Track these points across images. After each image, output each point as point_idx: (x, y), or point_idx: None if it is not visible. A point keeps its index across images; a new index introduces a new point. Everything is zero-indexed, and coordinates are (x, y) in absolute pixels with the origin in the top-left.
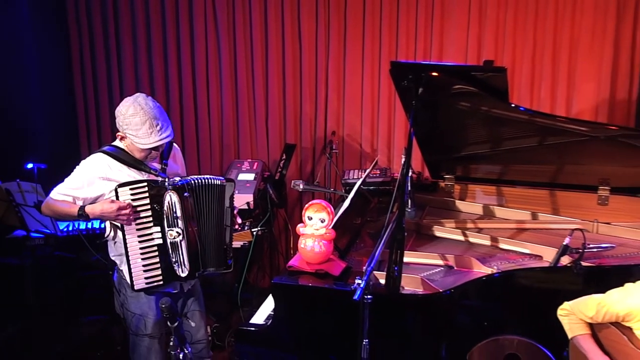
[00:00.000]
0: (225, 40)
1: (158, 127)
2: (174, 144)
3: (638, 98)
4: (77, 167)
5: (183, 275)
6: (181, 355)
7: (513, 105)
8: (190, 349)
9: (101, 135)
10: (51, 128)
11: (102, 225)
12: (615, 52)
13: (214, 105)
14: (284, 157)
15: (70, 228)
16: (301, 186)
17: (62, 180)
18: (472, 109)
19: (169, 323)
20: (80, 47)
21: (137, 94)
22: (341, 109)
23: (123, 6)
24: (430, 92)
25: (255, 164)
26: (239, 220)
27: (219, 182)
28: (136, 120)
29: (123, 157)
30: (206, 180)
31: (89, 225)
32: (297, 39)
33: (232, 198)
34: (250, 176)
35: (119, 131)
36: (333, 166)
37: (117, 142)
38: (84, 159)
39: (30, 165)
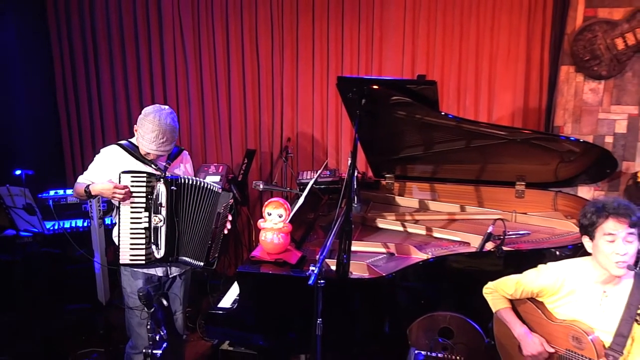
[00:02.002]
0: (192, 60)
1: (162, 141)
2: (185, 152)
3: (547, 106)
4: (96, 155)
5: (158, 256)
6: (157, 337)
7: (443, 113)
8: (165, 331)
9: (83, 144)
10: (37, 138)
11: (87, 224)
12: (527, 68)
13: (183, 117)
14: (246, 161)
15: (56, 227)
16: (261, 186)
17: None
18: (408, 117)
19: (145, 309)
20: (62, 65)
21: (165, 107)
22: (295, 118)
23: (100, 29)
24: (371, 102)
25: (221, 167)
26: (229, 226)
27: (211, 187)
28: (149, 126)
29: (133, 151)
30: (197, 182)
31: (73, 224)
32: (255, 58)
33: (227, 207)
34: (216, 178)
35: (136, 123)
36: (289, 168)
37: (133, 139)
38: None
39: (18, 172)
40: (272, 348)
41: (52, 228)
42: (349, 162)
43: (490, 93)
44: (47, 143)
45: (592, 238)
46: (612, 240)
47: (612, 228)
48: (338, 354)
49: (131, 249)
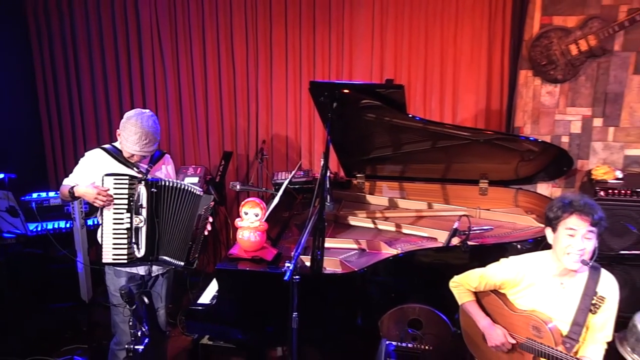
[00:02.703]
0: (170, 66)
1: (144, 142)
2: (167, 155)
3: (507, 108)
4: (81, 158)
5: (139, 255)
6: (139, 333)
7: (410, 115)
8: (147, 327)
9: (64, 148)
10: (19, 143)
11: (69, 225)
12: (489, 72)
13: (162, 120)
14: (223, 162)
15: (39, 229)
16: (238, 186)
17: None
18: (377, 119)
19: (127, 306)
20: (43, 71)
21: (146, 110)
22: (269, 121)
23: (80, 36)
24: (342, 106)
25: (199, 169)
26: (209, 228)
27: (192, 190)
28: (132, 129)
29: (116, 154)
30: (177, 184)
31: (56, 226)
32: (231, 64)
33: (208, 209)
34: (195, 179)
35: (119, 128)
36: (264, 169)
37: (116, 143)
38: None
39: (1, 175)
40: (250, 341)
41: (35, 229)
42: (322, 162)
43: (454, 96)
44: (29, 147)
45: (554, 230)
46: (572, 235)
47: (574, 224)
48: (313, 346)
49: (114, 248)
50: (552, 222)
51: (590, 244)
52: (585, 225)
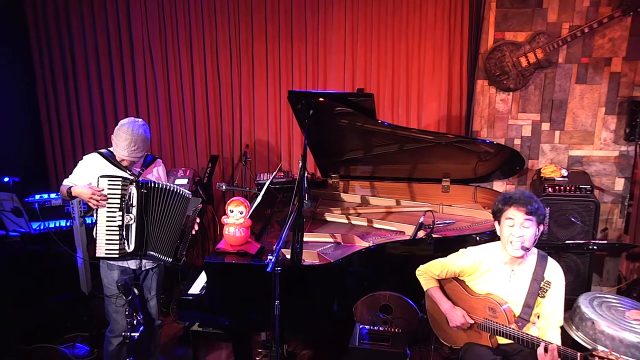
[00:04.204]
0: (160, 77)
1: (133, 148)
2: (159, 160)
3: (466, 114)
4: (79, 162)
5: (129, 250)
6: (135, 322)
7: (379, 121)
8: (142, 316)
9: (64, 153)
10: (22, 149)
11: (69, 223)
12: (449, 82)
13: (153, 127)
14: (210, 165)
15: (42, 227)
16: (224, 187)
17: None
18: (349, 125)
19: (124, 297)
20: (44, 82)
21: (139, 120)
22: (252, 127)
23: (78, 49)
24: (318, 112)
25: (188, 171)
26: (197, 228)
27: (182, 192)
28: (123, 135)
29: (111, 158)
30: (166, 186)
31: (57, 224)
32: (216, 75)
33: (196, 211)
34: (184, 181)
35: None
36: (248, 171)
37: (112, 148)
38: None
39: (6, 179)
40: (237, 327)
41: (37, 228)
42: (300, 164)
43: (419, 103)
44: (31, 152)
45: (499, 223)
46: (511, 225)
47: (512, 214)
48: (294, 331)
49: (107, 243)
50: (496, 215)
51: (528, 232)
52: (521, 215)
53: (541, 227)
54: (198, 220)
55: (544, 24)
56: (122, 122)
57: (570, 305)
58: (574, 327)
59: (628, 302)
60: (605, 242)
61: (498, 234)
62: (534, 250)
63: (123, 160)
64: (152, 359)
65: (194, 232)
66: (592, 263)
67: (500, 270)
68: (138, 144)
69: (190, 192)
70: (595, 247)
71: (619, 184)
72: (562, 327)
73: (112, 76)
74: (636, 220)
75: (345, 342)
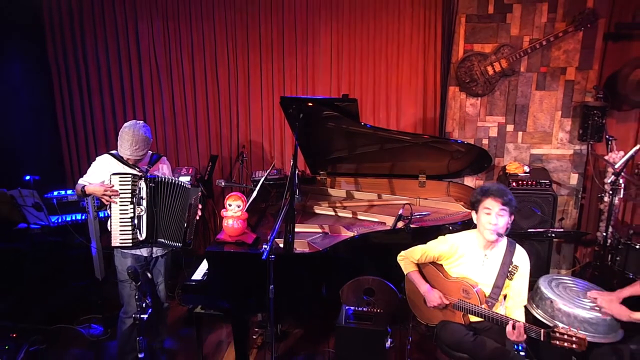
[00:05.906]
0: (165, 85)
1: (135, 148)
2: (164, 158)
3: (440, 116)
4: (93, 162)
5: (141, 238)
6: (143, 305)
7: (362, 123)
8: (150, 300)
9: (79, 154)
10: (42, 150)
11: (84, 217)
12: (425, 88)
13: (159, 130)
14: (210, 164)
15: (60, 220)
16: (223, 183)
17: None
18: (336, 127)
19: (133, 283)
20: (61, 91)
21: (140, 122)
22: (248, 129)
23: (91, 61)
24: (308, 116)
25: (190, 169)
26: (200, 214)
27: (182, 184)
28: (125, 137)
29: (120, 158)
30: (171, 180)
31: (73, 218)
32: (215, 83)
33: (197, 198)
34: (187, 178)
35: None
36: (244, 169)
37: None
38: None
39: (27, 177)
40: (235, 309)
41: (56, 221)
42: (291, 163)
43: (398, 107)
44: (50, 154)
45: (477, 212)
46: (488, 213)
47: (489, 204)
48: (287, 312)
49: (121, 233)
50: (474, 205)
51: (502, 220)
52: (498, 205)
53: (512, 217)
54: (200, 206)
55: (507, 37)
56: (125, 124)
57: (531, 286)
58: (534, 306)
59: (581, 282)
60: (562, 230)
61: (475, 222)
62: (504, 238)
63: (129, 159)
64: (160, 339)
65: (197, 218)
66: (551, 249)
67: (475, 255)
68: (139, 144)
69: (190, 183)
70: (553, 235)
71: (574, 179)
72: (525, 306)
73: (122, 85)
74: (588, 211)
75: (332, 322)
